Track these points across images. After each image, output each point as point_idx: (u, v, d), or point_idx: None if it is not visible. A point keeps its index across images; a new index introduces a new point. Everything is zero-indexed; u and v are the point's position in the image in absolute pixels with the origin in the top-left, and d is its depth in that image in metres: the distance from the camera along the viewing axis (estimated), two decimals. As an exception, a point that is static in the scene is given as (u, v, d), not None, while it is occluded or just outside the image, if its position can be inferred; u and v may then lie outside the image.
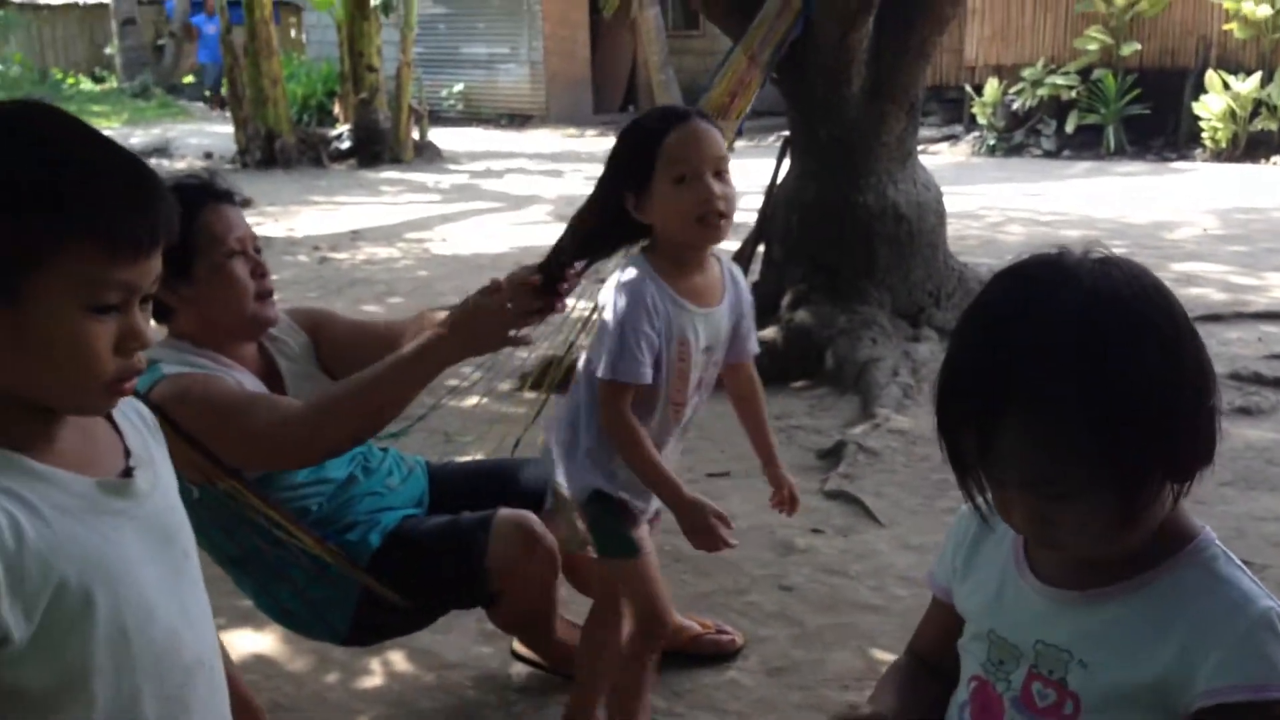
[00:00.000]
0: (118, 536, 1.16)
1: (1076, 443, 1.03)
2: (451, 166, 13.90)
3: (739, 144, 16.12)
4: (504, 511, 2.38)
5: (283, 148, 13.45)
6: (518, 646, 2.75)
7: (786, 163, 5.80)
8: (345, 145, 13.97)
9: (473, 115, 19.46)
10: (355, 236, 9.07)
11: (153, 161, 11.56)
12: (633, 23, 18.06)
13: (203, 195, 2.23)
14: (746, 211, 6.10)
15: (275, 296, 2.33)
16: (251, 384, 2.25)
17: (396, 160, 13.84)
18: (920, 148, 15.25)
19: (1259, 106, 12.32)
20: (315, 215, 10.22)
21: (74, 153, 1.13)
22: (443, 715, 2.59)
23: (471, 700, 2.64)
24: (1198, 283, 6.78)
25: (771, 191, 5.86)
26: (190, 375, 2.15)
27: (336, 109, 15.29)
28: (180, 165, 12.68)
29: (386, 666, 2.77)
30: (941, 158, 13.84)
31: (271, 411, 2.12)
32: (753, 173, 6.10)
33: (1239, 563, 1.15)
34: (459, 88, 19.67)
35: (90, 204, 1.09)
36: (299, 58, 20.59)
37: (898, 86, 5.45)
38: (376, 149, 13.82)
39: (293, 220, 9.88)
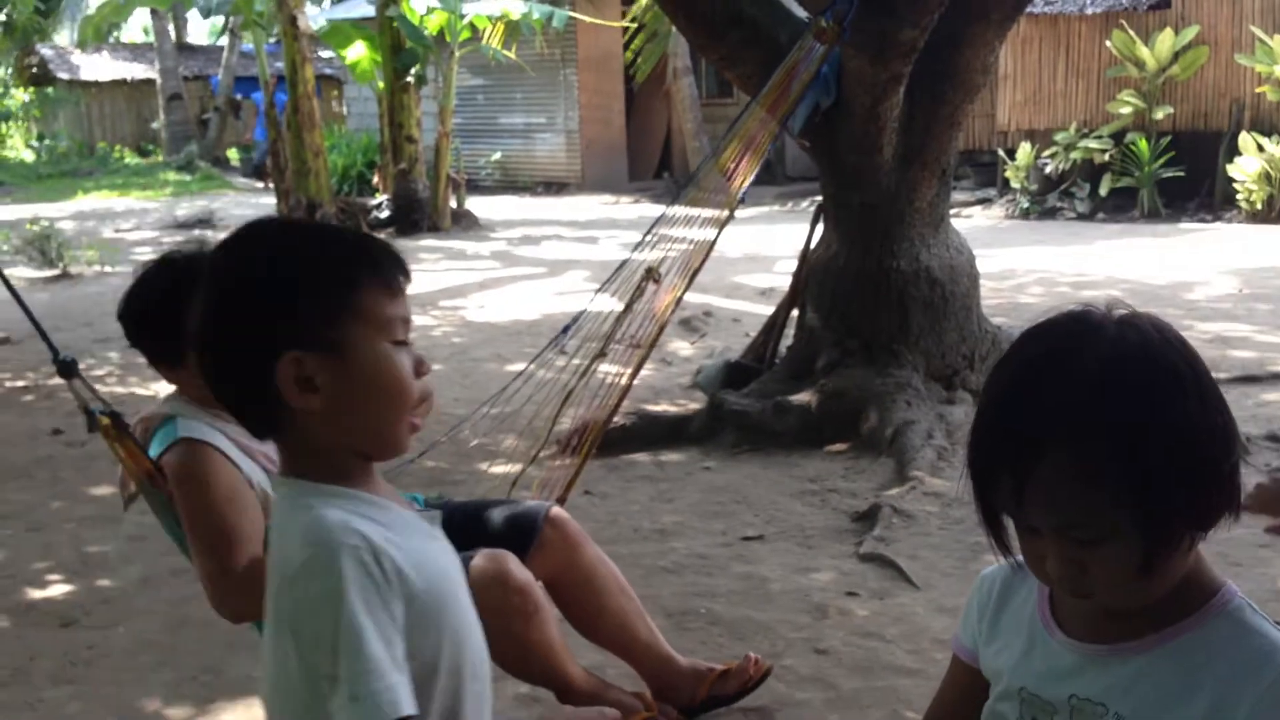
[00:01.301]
0: (444, 558, 1.38)
1: (1108, 486, 1.07)
2: (489, 234, 14.09)
3: (766, 209, 16.13)
4: (483, 551, 2.44)
5: (324, 217, 13.69)
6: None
7: (820, 229, 5.90)
8: (384, 214, 14.22)
9: (510, 183, 19.75)
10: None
11: (196, 233, 11.81)
12: (667, 91, 18.36)
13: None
14: (781, 276, 6.20)
15: None
16: (260, 476, 2.29)
17: (435, 229, 14.06)
18: (953, 211, 15.29)
19: (1294, 168, 12.31)
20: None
21: (326, 231, 1.50)
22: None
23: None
24: (1230, 344, 6.76)
25: (805, 257, 5.95)
26: (201, 453, 2.22)
27: (376, 179, 15.58)
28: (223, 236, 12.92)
29: None
30: (975, 220, 13.89)
31: (229, 551, 2.15)
32: (787, 238, 6.16)
33: (1264, 615, 1.17)
34: (496, 156, 19.99)
35: (367, 256, 1.34)
36: (340, 129, 21.01)
37: (929, 153, 5.51)
38: (415, 217, 14.04)
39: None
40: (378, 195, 14.93)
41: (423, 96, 14.57)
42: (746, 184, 4.48)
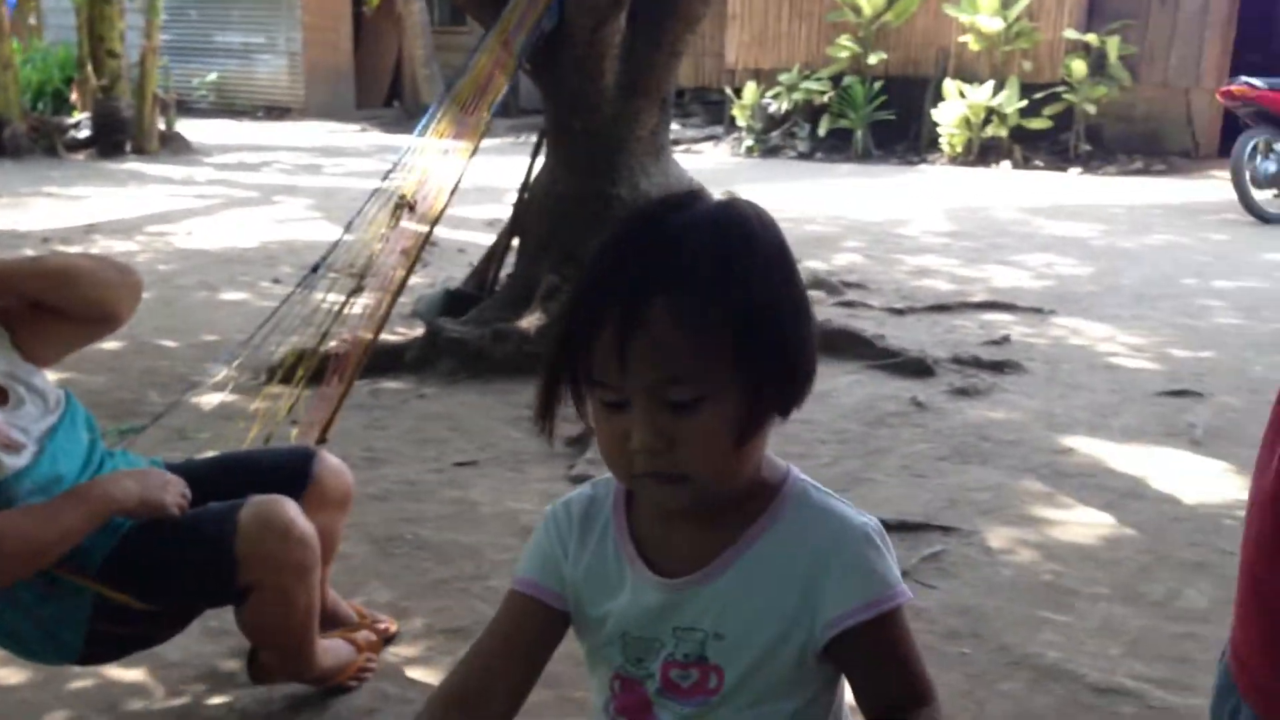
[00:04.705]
0: None
1: (711, 338, 1.05)
2: (202, 159, 13.30)
3: (498, 140, 16.01)
4: (255, 497, 2.24)
5: (13, 135, 12.58)
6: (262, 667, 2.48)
7: (542, 157, 5.85)
8: (83, 134, 13.18)
9: (227, 107, 18.70)
10: (90, 230, 8.56)
11: None
12: (397, 16, 17.77)
13: None
14: (509, 207, 6.13)
15: None
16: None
17: (140, 151, 13.14)
18: (684, 147, 15.61)
19: (990, 114, 13.18)
20: (47, 207, 9.59)
21: None
22: (165, 719, 2.47)
23: (195, 701, 2.53)
24: (930, 275, 7.20)
25: (527, 184, 5.89)
26: None
27: (74, 96, 14.39)
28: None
29: (101, 670, 2.61)
30: (704, 157, 14.20)
31: None
32: (518, 170, 6.09)
33: (822, 488, 1.20)
34: (212, 77, 18.86)
35: None
36: (35, 43, 19.28)
37: (650, 82, 5.55)
38: (118, 139, 13.09)
39: (21, 212, 9.23)
40: (76, 114, 13.80)
41: (127, 9, 13.54)
42: (489, 115, 4.41)
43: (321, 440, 3.60)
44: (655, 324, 1.05)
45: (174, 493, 2.22)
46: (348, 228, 4.34)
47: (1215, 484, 3.79)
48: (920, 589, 3.05)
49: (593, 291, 1.10)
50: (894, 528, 3.40)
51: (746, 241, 1.10)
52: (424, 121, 4.65)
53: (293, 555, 2.20)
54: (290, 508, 2.24)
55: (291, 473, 2.43)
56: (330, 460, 2.53)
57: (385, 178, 4.39)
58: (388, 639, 2.75)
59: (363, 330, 4.03)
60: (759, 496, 1.17)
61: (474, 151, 4.42)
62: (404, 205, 4.25)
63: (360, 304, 4.12)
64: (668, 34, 5.49)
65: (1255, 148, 9.51)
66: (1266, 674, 1.10)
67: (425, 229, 4.22)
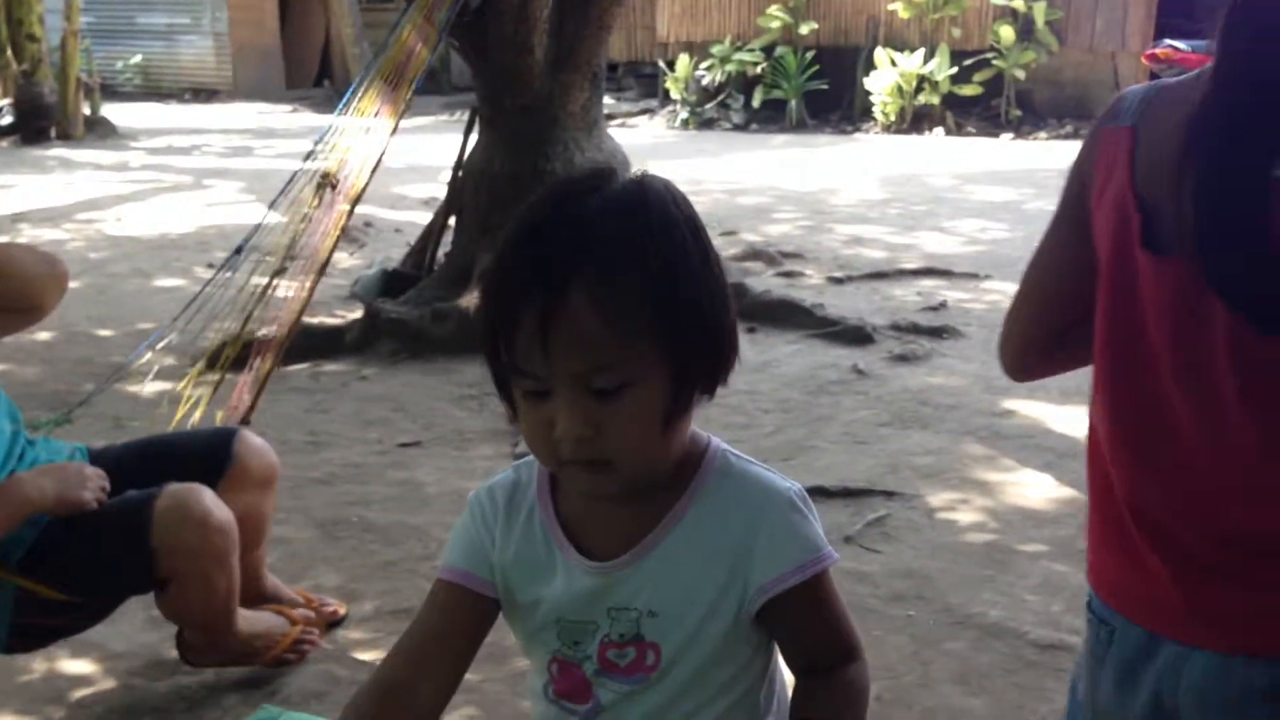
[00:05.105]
0: None
1: (635, 316, 1.04)
2: (129, 143, 13.03)
3: (433, 119, 15.83)
4: (171, 485, 2.23)
5: (-70, 123, 12.25)
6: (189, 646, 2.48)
7: (475, 135, 5.80)
8: (5, 121, 12.86)
9: (153, 89, 18.33)
10: (17, 219, 8.36)
11: None
12: (324, -6, 17.51)
13: None
14: (445, 186, 6.08)
15: None
16: None
17: (66, 137, 12.85)
18: (619, 121, 15.54)
19: (922, 82, 13.28)
20: (-31, 196, 9.36)
21: None
22: (111, 709, 2.44)
23: (143, 689, 2.51)
24: (864, 244, 7.26)
25: (460, 163, 5.85)
26: None
27: (-7, 82, 14.04)
28: None
29: (48, 661, 2.58)
30: (639, 131, 14.16)
31: None
32: (452, 148, 6.04)
33: (742, 455, 1.20)
34: (136, 60, 18.46)
35: None
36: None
37: (580, 56, 5.53)
38: (42, 124, 12.78)
39: (-58, 202, 9.02)
40: (-3, 100, 13.47)
41: (45, -10, 13.22)
42: (411, 91, 4.38)
43: (245, 422, 3.58)
44: (576, 312, 1.03)
45: (92, 487, 2.21)
46: (271, 207, 4.31)
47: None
48: (865, 554, 3.09)
49: (509, 282, 1.07)
50: (837, 494, 3.45)
51: (662, 222, 1.08)
52: (345, 98, 4.62)
53: (210, 544, 2.21)
54: (205, 496, 2.24)
55: (213, 454, 2.42)
56: (252, 439, 2.53)
57: (308, 157, 4.36)
58: (336, 622, 2.74)
59: (287, 312, 4.01)
60: (683, 471, 1.16)
61: (395, 129, 4.40)
62: (327, 184, 4.22)
63: (285, 285, 4.10)
64: (596, 8, 5.48)
65: (1180, 110, 9.66)
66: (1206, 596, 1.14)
67: (347, 207, 4.19)
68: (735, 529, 1.15)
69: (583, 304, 1.03)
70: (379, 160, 4.30)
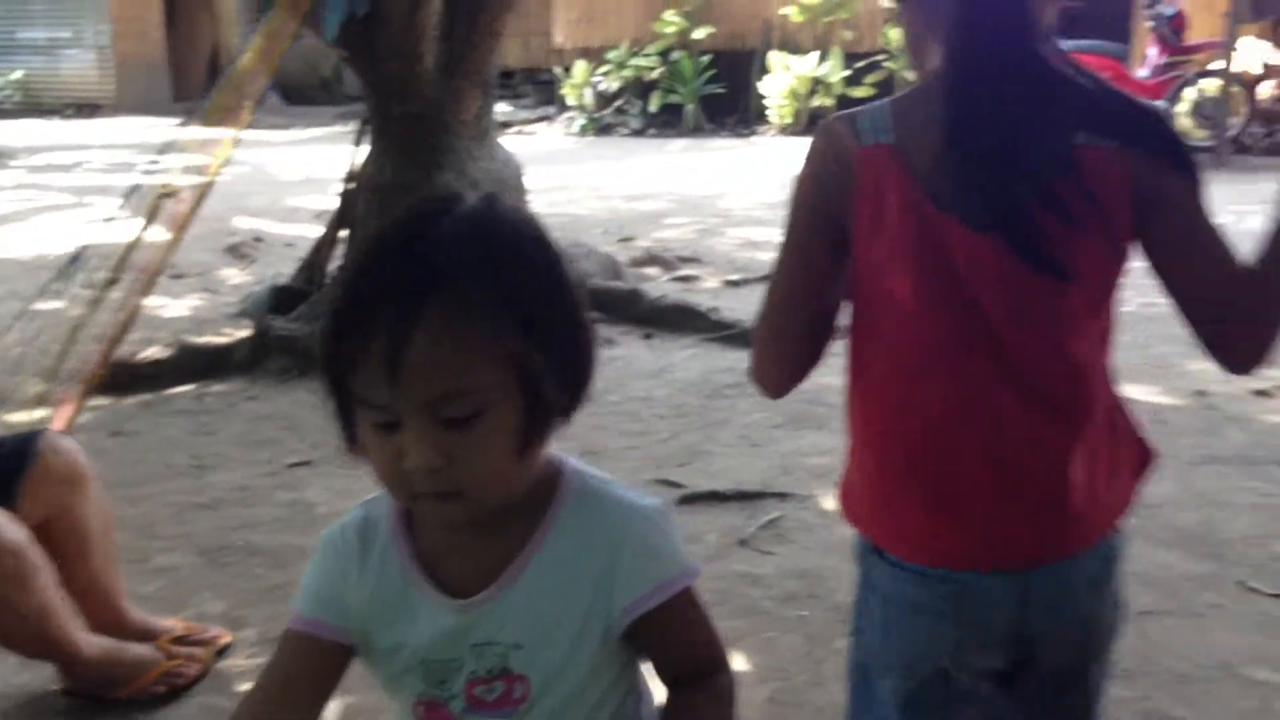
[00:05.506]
0: None
1: (485, 345, 1.02)
2: (8, 162, 12.62)
3: (325, 129, 15.50)
4: None
5: None
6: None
7: (366, 145, 5.72)
8: (-124, 141, 12.38)
9: (33, 106, 17.78)
10: (-114, 243, 8.05)
11: None
12: (209, 4, 17.16)
13: None
14: (331, 196, 5.98)
15: None
16: None
17: (-60, 156, 12.43)
18: (516, 129, 15.47)
19: (816, 85, 13.45)
20: None
21: None
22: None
23: (14, 733, 2.41)
24: (758, 247, 7.30)
25: (351, 175, 5.75)
26: None
27: None
28: None
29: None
30: (537, 139, 14.12)
31: None
32: (340, 158, 5.95)
33: (595, 472, 1.19)
34: (16, 75, 17.91)
35: None
36: None
37: (471, 64, 5.48)
38: (-85, 144, 12.34)
39: None
40: None
41: (-87, 4, 12.74)
42: (264, 88, 4.29)
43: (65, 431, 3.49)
44: (425, 340, 1.00)
45: None
46: (105, 223, 4.23)
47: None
48: (759, 556, 3.11)
49: (355, 310, 1.03)
50: (732, 498, 3.46)
51: (513, 245, 1.06)
52: (193, 108, 4.54)
53: (3, 565, 2.14)
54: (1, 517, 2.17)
55: (14, 453, 2.35)
56: (56, 439, 2.46)
57: (147, 170, 4.27)
58: (220, 650, 2.66)
59: (112, 329, 3.92)
60: (540, 496, 1.14)
61: (238, 140, 4.35)
62: (166, 196, 4.14)
63: (114, 301, 4.02)
64: (486, 15, 5.43)
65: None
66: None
67: (188, 217, 4.12)
68: (597, 553, 1.13)
69: (433, 331, 1.00)
70: (220, 167, 4.22)
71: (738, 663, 2.64)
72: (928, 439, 1.29)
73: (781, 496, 3.45)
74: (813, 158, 1.34)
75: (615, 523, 1.14)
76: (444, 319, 1.00)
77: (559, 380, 1.07)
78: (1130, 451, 1.34)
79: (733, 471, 3.66)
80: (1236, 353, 1.26)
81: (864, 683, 1.41)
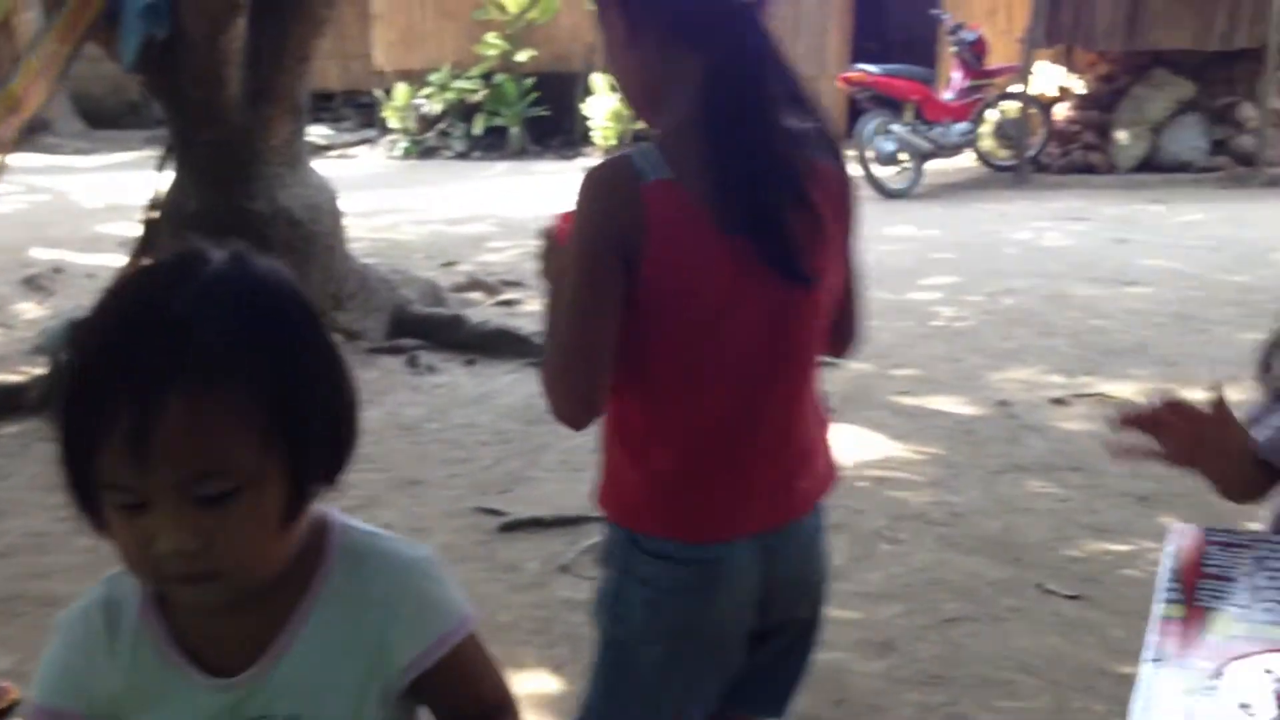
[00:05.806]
0: None
1: (241, 419, 0.95)
2: None
3: (133, 154, 14.96)
4: None
5: None
6: None
7: (171, 172, 5.51)
8: None
9: None
10: None
11: None
12: (8, 28, 16.32)
13: None
14: (136, 225, 5.74)
15: None
16: None
17: None
18: (337, 153, 15.16)
19: (639, 107, 13.59)
20: None
21: None
22: None
23: None
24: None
25: (155, 203, 5.54)
26: None
27: None
28: None
29: None
30: (358, 162, 13.89)
31: None
32: (147, 184, 5.71)
33: (360, 524, 1.14)
34: None
35: None
36: None
37: (279, 89, 5.36)
38: None
39: None
40: None
41: None
42: (34, 113, 4.11)
43: None
44: (175, 420, 0.92)
45: None
46: None
47: (861, 450, 4.05)
48: (580, 581, 3.09)
49: (94, 391, 0.94)
50: (553, 524, 3.45)
51: (268, 309, 0.99)
52: None
53: None
54: None
55: None
56: None
57: None
58: (7, 709, 2.51)
59: None
60: (305, 560, 1.07)
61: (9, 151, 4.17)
62: None
63: None
64: (292, 39, 5.33)
65: (874, 129, 10.28)
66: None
67: None
68: (370, 614, 1.08)
69: (182, 409, 0.92)
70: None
71: (560, 689, 2.63)
72: (715, 436, 1.49)
73: (603, 521, 3.44)
74: (599, 196, 1.44)
75: (387, 580, 1.09)
76: (194, 395, 0.93)
77: (321, 446, 1.02)
78: (824, 430, 1.62)
79: (554, 497, 3.65)
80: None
81: (622, 655, 1.56)
